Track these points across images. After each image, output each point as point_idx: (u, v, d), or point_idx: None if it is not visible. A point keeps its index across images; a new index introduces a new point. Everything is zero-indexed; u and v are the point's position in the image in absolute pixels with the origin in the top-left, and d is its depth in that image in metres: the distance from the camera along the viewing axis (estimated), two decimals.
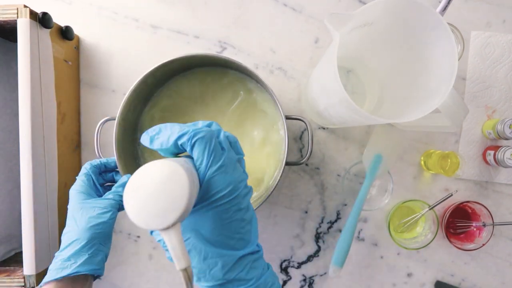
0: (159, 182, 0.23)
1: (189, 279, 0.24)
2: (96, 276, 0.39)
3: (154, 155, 0.50)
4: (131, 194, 0.24)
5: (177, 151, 0.29)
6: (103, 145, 0.48)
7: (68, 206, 0.40)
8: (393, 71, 0.46)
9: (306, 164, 0.55)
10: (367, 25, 0.38)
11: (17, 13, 0.43)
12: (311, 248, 0.56)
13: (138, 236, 0.56)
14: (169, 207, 0.23)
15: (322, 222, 0.56)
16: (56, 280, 0.35)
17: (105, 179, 0.45)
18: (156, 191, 0.23)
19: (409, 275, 0.56)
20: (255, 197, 0.49)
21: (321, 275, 0.56)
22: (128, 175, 0.44)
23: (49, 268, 0.37)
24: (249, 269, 0.28)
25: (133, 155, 0.50)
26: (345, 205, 0.56)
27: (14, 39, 0.47)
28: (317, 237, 0.56)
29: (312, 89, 0.47)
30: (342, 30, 0.33)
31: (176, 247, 0.23)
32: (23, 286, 0.44)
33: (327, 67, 0.37)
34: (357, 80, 0.55)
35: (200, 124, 0.29)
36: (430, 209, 0.51)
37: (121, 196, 0.41)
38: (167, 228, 0.23)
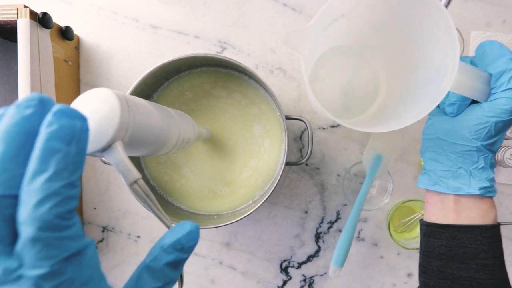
0: (91, 108, 0.24)
1: (143, 192, 0.25)
2: None
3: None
4: None
5: None
6: None
7: None
8: (395, 66, 0.46)
9: (306, 164, 0.55)
10: (339, 18, 0.38)
11: (17, 13, 0.42)
12: (311, 248, 0.56)
13: (138, 236, 0.56)
14: (102, 129, 0.24)
15: (322, 222, 0.56)
16: None
17: None
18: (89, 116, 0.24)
19: (409, 275, 0.56)
20: (256, 197, 0.49)
21: (321, 275, 0.56)
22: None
23: None
24: None
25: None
26: (345, 205, 0.56)
27: (14, 39, 0.47)
28: (317, 237, 0.56)
29: (309, 92, 0.46)
30: (311, 39, 0.33)
31: (120, 163, 0.24)
32: None
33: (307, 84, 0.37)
34: (371, 72, 0.52)
35: None
36: None
37: None
38: (105, 148, 0.24)
